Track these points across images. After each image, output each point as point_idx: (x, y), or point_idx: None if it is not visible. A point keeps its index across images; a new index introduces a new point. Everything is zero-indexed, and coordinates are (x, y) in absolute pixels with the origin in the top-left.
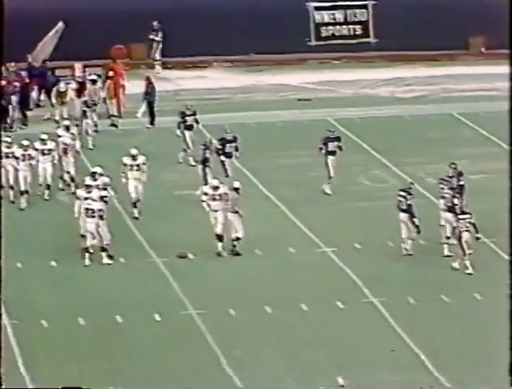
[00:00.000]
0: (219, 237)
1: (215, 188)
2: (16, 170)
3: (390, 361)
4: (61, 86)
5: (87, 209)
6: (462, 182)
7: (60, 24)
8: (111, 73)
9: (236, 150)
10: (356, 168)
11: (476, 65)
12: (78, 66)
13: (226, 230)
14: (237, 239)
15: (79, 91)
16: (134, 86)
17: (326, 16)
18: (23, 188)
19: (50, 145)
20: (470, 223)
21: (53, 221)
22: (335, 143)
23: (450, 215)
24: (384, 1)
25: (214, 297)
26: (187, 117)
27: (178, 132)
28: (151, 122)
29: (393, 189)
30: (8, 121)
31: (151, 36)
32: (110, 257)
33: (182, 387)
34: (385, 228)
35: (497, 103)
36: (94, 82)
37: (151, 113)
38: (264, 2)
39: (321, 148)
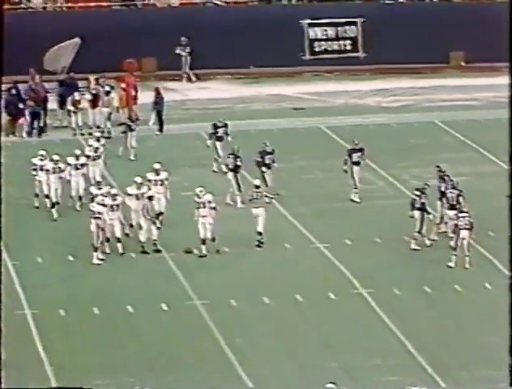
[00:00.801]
0: (203, 241)
1: (198, 196)
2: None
3: (377, 347)
4: (76, 95)
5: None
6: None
7: (77, 40)
8: (123, 85)
9: (274, 162)
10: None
11: (456, 77)
12: (92, 78)
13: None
14: (259, 234)
15: (93, 102)
16: (144, 96)
17: (319, 32)
18: (54, 200)
19: (82, 160)
20: (469, 221)
21: (81, 228)
22: (359, 154)
23: (452, 213)
24: (372, 19)
25: (216, 289)
26: (218, 129)
27: (209, 143)
28: (160, 130)
29: (380, 190)
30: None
31: (178, 51)
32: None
33: (187, 372)
34: (373, 226)
35: (475, 112)
36: (108, 93)
37: (160, 121)
38: (262, 20)
39: (345, 160)
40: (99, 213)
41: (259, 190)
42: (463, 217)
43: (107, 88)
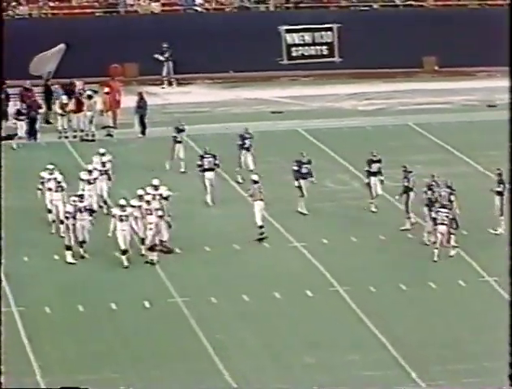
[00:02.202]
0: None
1: (148, 202)
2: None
3: (354, 343)
4: (64, 99)
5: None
6: (406, 184)
7: (62, 46)
8: (107, 89)
9: (311, 174)
10: (323, 172)
11: (430, 81)
12: (78, 83)
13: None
14: (260, 227)
15: (78, 106)
16: (127, 100)
17: (296, 38)
18: (54, 217)
19: (95, 174)
20: (447, 217)
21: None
22: (378, 165)
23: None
24: (347, 25)
25: (197, 287)
26: (246, 141)
27: (242, 156)
28: (143, 132)
29: (355, 191)
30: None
31: (156, 56)
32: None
33: (168, 366)
34: (348, 225)
35: (448, 115)
36: (90, 97)
37: (143, 124)
38: (241, 26)
39: (367, 171)
40: (69, 213)
41: (258, 186)
42: (441, 212)
43: (89, 93)
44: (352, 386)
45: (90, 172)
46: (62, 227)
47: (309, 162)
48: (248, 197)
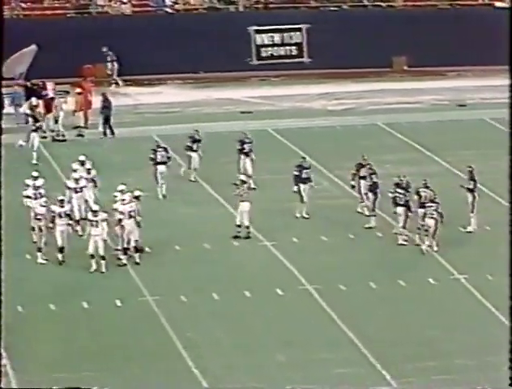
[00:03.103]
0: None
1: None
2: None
3: (325, 341)
4: (33, 100)
5: None
6: (375, 180)
7: (33, 47)
8: (79, 89)
9: (310, 180)
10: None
11: (399, 81)
12: (50, 83)
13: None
14: (247, 227)
15: (47, 107)
16: (98, 101)
17: (265, 38)
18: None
19: (83, 183)
20: (436, 211)
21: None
22: (366, 169)
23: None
24: (316, 25)
25: (167, 286)
26: (245, 145)
27: (241, 161)
28: (112, 133)
29: (325, 190)
30: None
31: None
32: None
33: (140, 365)
34: (318, 224)
35: (417, 114)
36: (61, 97)
37: (109, 125)
38: (211, 27)
39: (354, 174)
40: (40, 215)
41: (245, 186)
42: (430, 207)
43: (60, 93)
44: (324, 383)
45: (77, 180)
46: (36, 228)
47: (309, 167)
48: (237, 196)
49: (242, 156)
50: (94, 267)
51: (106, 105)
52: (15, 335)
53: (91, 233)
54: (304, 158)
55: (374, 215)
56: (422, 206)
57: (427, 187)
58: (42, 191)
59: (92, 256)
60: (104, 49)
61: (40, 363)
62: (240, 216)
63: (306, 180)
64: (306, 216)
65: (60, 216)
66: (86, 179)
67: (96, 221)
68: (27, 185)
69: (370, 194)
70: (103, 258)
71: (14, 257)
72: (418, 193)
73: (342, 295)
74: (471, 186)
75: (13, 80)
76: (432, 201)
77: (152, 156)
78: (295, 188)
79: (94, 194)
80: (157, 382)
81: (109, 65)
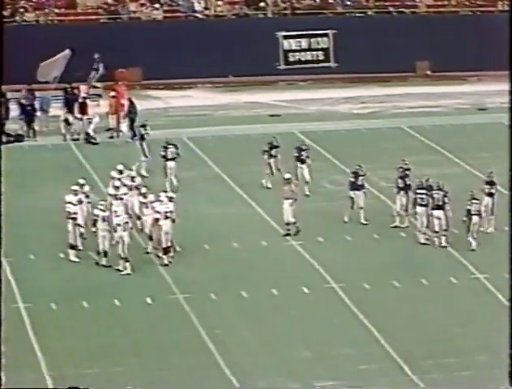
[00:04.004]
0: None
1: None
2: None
3: (348, 337)
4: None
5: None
6: (408, 182)
7: (67, 51)
8: (113, 93)
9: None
10: (320, 173)
11: (422, 85)
12: (83, 87)
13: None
14: (294, 223)
15: (82, 110)
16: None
17: (293, 44)
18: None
19: (123, 190)
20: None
21: None
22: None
23: (438, 213)
24: (343, 31)
25: (197, 284)
26: (302, 152)
27: (298, 168)
28: (134, 136)
29: None
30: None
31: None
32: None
33: (170, 361)
34: (343, 224)
35: (440, 118)
36: (94, 101)
37: (132, 129)
38: (240, 32)
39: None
40: (74, 214)
41: (292, 185)
42: (438, 194)
43: (94, 97)
44: (349, 379)
45: (117, 188)
46: (70, 226)
47: (364, 174)
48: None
49: (299, 164)
50: (128, 269)
51: (131, 110)
52: (49, 331)
53: (100, 228)
54: (360, 166)
55: (407, 215)
56: (438, 208)
57: (440, 189)
58: (87, 198)
59: (100, 252)
60: (96, 56)
61: (73, 359)
62: (286, 214)
63: (360, 187)
64: (365, 222)
65: (103, 220)
66: (127, 186)
67: (127, 222)
68: (74, 190)
69: (403, 194)
70: (127, 259)
71: (47, 255)
72: (432, 195)
73: (366, 293)
74: (492, 191)
75: (47, 84)
76: (438, 188)
77: (163, 152)
78: (351, 194)
79: (138, 202)
80: (187, 377)
81: (93, 73)
